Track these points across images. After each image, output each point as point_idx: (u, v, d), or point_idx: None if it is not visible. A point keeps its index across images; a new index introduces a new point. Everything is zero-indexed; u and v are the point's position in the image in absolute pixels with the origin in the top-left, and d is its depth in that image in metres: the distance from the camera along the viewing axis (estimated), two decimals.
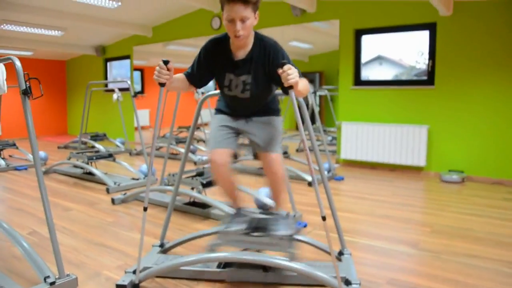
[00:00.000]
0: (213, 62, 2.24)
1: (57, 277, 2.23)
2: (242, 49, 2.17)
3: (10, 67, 2.48)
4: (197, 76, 2.28)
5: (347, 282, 2.19)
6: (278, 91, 2.39)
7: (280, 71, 1.88)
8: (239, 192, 2.51)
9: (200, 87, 2.35)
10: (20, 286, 2.21)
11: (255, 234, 2.32)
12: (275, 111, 2.44)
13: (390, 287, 2.28)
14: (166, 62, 2.03)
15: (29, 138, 2.32)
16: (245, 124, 2.39)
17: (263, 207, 3.63)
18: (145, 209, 2.20)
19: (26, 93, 2.29)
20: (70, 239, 3.09)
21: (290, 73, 1.86)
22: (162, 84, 2.08)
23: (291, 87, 1.90)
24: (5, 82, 2.60)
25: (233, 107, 2.41)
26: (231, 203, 2.54)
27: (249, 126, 2.38)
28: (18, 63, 2.29)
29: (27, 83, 2.30)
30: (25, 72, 2.32)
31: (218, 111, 2.48)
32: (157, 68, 2.04)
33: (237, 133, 2.41)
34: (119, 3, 6.66)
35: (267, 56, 2.14)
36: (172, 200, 2.76)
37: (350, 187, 4.86)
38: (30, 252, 2.38)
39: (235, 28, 2.02)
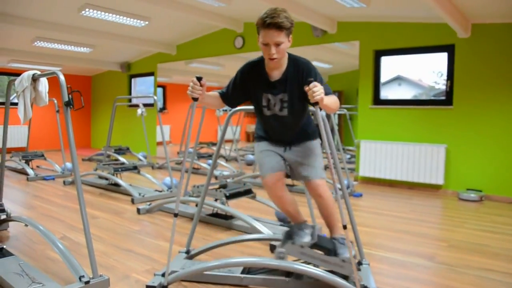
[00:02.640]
0: (249, 84, 2.38)
1: (91, 277, 2.38)
2: (277, 70, 2.31)
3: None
4: (231, 96, 2.43)
5: None
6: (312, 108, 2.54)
7: (306, 88, 2.02)
8: (298, 207, 2.58)
9: (233, 106, 2.49)
10: (57, 284, 2.36)
11: (319, 250, 2.44)
12: (311, 135, 2.53)
13: None
14: (199, 79, 2.19)
15: (70, 147, 2.51)
16: (284, 152, 2.51)
17: (283, 220, 3.75)
18: (175, 215, 2.34)
19: (68, 104, 2.49)
20: (99, 245, 3.25)
21: (316, 90, 1.99)
22: (195, 99, 2.23)
23: (316, 103, 2.04)
24: (47, 95, 2.80)
25: (272, 131, 2.52)
26: (293, 219, 2.60)
27: (288, 155, 2.50)
28: (62, 77, 2.51)
29: (70, 96, 2.50)
30: (68, 86, 2.52)
31: (259, 137, 2.60)
32: (191, 83, 2.19)
33: (282, 156, 2.52)
34: (147, 22, 6.93)
35: (301, 75, 2.28)
36: (199, 208, 2.91)
37: (368, 203, 4.94)
38: (66, 253, 2.55)
39: (270, 52, 2.17)
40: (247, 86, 2.39)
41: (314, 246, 2.47)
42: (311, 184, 2.43)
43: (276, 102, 2.36)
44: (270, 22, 2.10)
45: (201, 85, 2.19)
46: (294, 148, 2.49)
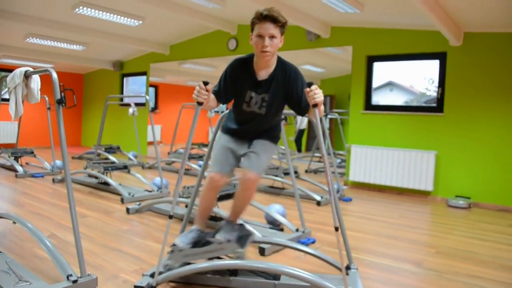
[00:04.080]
0: (237, 80, 2.42)
1: (78, 276, 2.36)
2: (264, 70, 2.37)
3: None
4: (223, 93, 2.46)
5: None
6: (289, 111, 2.62)
7: (307, 90, 2.08)
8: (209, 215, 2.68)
9: (225, 102, 2.53)
10: (44, 282, 2.34)
11: (200, 245, 2.48)
12: (275, 138, 2.62)
13: None
14: (206, 83, 2.22)
15: (61, 146, 2.48)
16: (247, 148, 2.54)
17: (273, 223, 3.75)
18: (170, 217, 2.34)
19: (60, 102, 2.47)
20: (87, 243, 3.23)
21: (317, 92, 2.07)
22: (200, 103, 2.25)
23: (316, 105, 2.08)
24: (39, 92, 2.77)
25: (242, 125, 2.56)
26: (199, 222, 2.63)
27: (250, 147, 2.53)
28: (54, 75, 2.48)
29: (62, 94, 2.48)
30: (61, 84, 2.50)
31: (226, 130, 2.63)
32: (197, 87, 2.22)
33: (238, 159, 2.55)
34: (141, 21, 6.91)
35: (287, 79, 2.35)
36: (189, 209, 2.91)
37: (357, 208, 4.96)
38: (54, 251, 2.52)
39: (263, 43, 2.23)
40: (235, 81, 2.43)
41: (195, 244, 2.49)
42: (248, 174, 2.42)
43: (258, 101, 2.42)
44: (267, 15, 2.21)
45: (206, 90, 2.22)
46: (258, 140, 2.54)
